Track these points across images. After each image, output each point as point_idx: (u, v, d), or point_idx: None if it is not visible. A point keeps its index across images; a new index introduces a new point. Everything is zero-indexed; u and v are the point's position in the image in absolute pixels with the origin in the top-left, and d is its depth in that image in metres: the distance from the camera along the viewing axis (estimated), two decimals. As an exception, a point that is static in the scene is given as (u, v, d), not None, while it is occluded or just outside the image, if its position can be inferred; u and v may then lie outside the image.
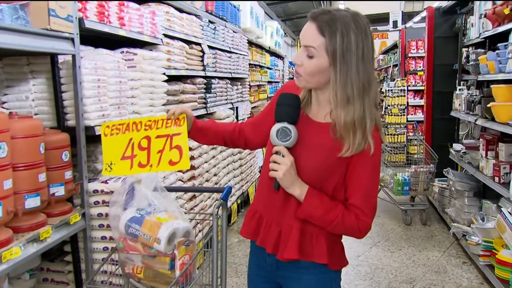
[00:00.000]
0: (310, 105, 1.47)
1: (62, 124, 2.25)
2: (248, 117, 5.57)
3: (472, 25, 4.59)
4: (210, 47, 4.19)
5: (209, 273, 1.82)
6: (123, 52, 2.68)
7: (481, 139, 3.89)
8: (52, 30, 1.92)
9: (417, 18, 11.25)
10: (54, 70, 2.22)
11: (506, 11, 3.40)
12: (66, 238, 2.16)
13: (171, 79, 3.32)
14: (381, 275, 3.65)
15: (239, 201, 4.93)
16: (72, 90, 2.17)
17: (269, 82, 8.24)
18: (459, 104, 4.73)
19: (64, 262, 2.42)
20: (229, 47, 4.95)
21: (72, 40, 2.10)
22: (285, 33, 10.35)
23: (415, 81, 8.31)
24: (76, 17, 2.12)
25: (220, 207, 1.80)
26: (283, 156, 1.37)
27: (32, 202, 1.85)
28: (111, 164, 1.66)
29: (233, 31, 5.15)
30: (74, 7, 2.10)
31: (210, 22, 4.27)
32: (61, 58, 2.23)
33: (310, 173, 1.40)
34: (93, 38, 2.50)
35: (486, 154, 3.74)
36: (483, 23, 4.10)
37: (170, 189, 1.84)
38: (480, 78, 4.13)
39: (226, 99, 4.77)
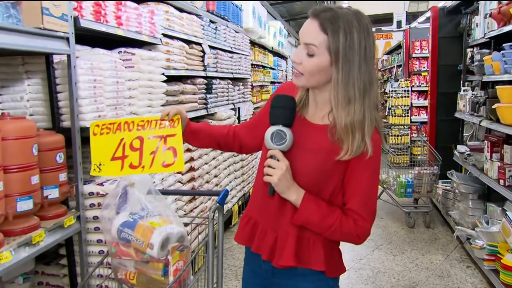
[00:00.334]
0: (307, 106, 1.42)
1: (57, 125, 2.21)
2: (250, 118, 5.52)
3: (477, 25, 4.54)
4: (211, 47, 4.15)
5: (204, 279, 1.77)
6: (120, 52, 2.64)
7: (485, 141, 3.84)
8: (45, 29, 1.88)
9: (421, 18, 11.18)
10: (49, 70, 2.18)
11: (512, 11, 3.34)
12: (61, 241, 2.12)
13: (171, 79, 3.27)
14: (383, 279, 3.59)
15: (240, 203, 4.88)
16: (67, 90, 2.13)
17: (272, 83, 8.19)
18: (464, 105, 4.67)
19: (59, 266, 2.38)
20: (231, 47, 4.90)
21: (67, 39, 2.06)
22: (288, 33, 10.28)
23: (419, 82, 8.24)
24: (71, 16, 2.07)
25: (216, 211, 1.75)
26: (278, 160, 1.32)
27: (25, 205, 1.81)
28: (100, 164, 1.61)
29: (235, 31, 5.10)
30: (69, 6, 2.06)
31: (211, 21, 4.23)
32: (56, 58, 2.19)
33: (306, 177, 1.35)
34: (90, 38, 2.47)
35: (491, 156, 3.68)
36: (488, 23, 4.05)
37: (164, 192, 1.80)
38: (485, 78, 4.08)
39: (227, 100, 4.72)
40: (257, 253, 1.47)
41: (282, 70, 9.50)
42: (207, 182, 3.85)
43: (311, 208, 1.33)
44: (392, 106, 8.31)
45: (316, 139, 1.36)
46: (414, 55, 8.38)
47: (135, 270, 1.60)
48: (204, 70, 3.98)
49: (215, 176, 4.06)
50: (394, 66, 9.91)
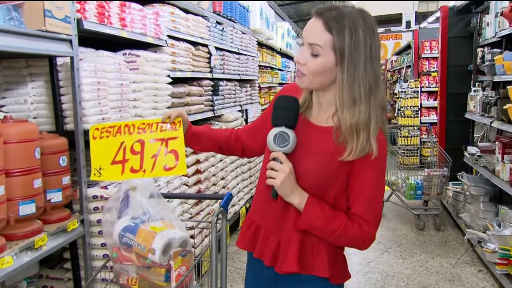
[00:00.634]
0: (311, 108, 1.39)
1: (61, 128, 2.20)
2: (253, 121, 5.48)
3: (488, 24, 4.47)
4: (218, 49, 4.13)
5: (208, 284, 1.74)
6: (125, 54, 2.62)
7: (497, 142, 3.76)
8: (48, 31, 1.87)
9: (431, 18, 11.06)
10: (52, 73, 2.17)
11: (523, 9, 3.28)
12: (64, 245, 2.11)
13: (177, 81, 3.25)
14: (392, 283, 3.53)
15: (247, 205, 4.85)
16: (71, 93, 2.12)
17: (281, 84, 8.16)
18: (474, 105, 4.60)
19: (63, 269, 2.36)
20: (238, 49, 4.88)
21: (70, 41, 2.05)
22: (297, 35, 10.22)
23: (428, 82, 8.15)
24: (74, 18, 2.06)
25: (220, 215, 1.72)
26: (281, 162, 1.28)
27: (27, 209, 1.79)
28: (100, 169, 1.58)
29: (242, 32, 5.08)
30: (72, 8, 2.04)
31: (218, 23, 4.20)
32: (60, 61, 2.18)
33: (310, 180, 1.31)
34: (94, 40, 2.45)
35: (503, 158, 3.61)
36: (499, 22, 3.98)
37: (166, 196, 1.77)
38: (496, 79, 4.01)
39: (234, 102, 4.69)
40: (259, 259, 1.43)
41: (291, 72, 9.46)
42: (214, 184, 3.82)
43: (315, 211, 1.29)
44: (401, 107, 8.23)
45: (320, 141, 1.33)
46: (423, 56, 8.29)
47: (137, 276, 1.57)
48: (211, 71, 3.95)
49: (222, 179, 4.03)
50: (404, 67, 9.82)
